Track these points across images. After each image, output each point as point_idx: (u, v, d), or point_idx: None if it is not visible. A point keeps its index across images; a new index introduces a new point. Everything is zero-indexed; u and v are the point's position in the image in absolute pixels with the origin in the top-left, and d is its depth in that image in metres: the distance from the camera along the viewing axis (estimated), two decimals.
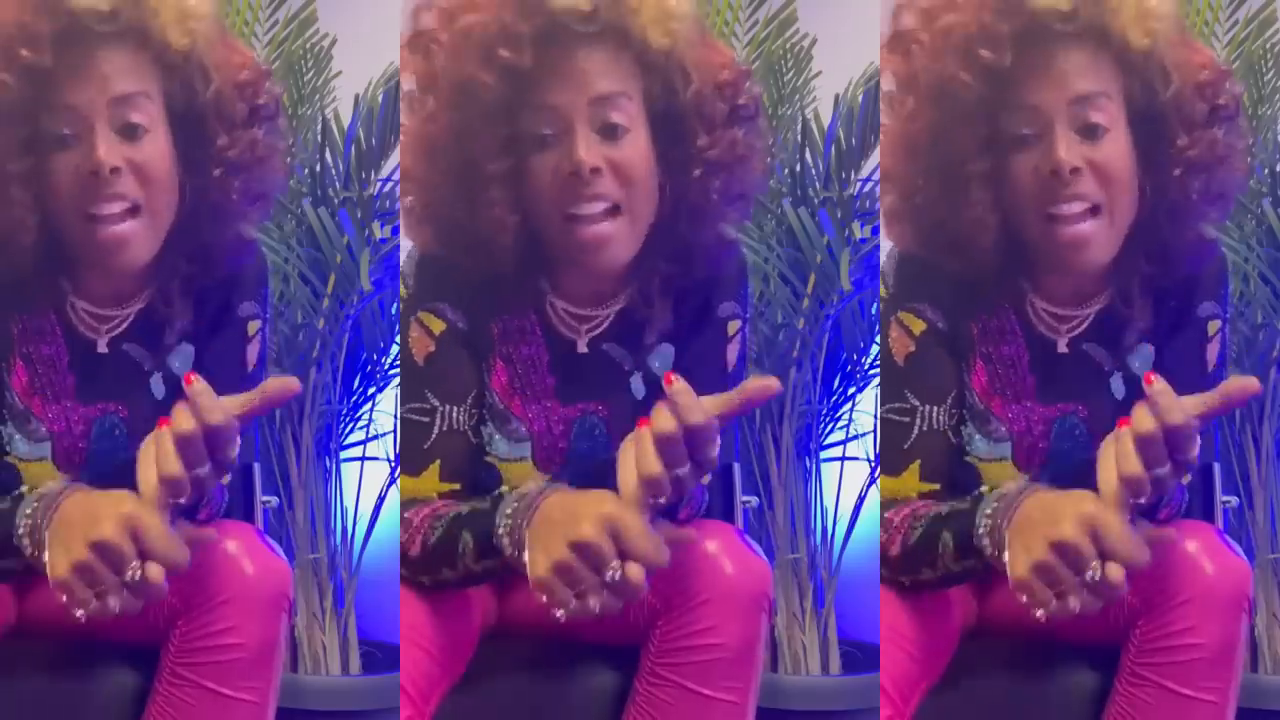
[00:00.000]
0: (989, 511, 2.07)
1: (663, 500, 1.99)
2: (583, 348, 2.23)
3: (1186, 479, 2.04)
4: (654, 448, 1.98)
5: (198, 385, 1.96)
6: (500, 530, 2.06)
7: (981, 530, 2.07)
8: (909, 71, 2.17)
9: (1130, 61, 2.13)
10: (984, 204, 2.15)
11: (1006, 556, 2.02)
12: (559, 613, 2.00)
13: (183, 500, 1.97)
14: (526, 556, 2.01)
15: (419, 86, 2.19)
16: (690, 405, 1.98)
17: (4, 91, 2.07)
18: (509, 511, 2.06)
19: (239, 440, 1.99)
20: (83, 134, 2.08)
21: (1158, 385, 1.98)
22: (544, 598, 2.00)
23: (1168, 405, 1.96)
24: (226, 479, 2.09)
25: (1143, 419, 1.97)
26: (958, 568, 2.13)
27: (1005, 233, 2.16)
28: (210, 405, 1.95)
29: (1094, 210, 2.13)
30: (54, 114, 2.08)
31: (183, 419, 1.95)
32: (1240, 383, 2.00)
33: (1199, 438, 1.99)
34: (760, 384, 2.05)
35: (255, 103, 2.17)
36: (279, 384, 2.01)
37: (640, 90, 2.15)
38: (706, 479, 2.04)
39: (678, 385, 1.99)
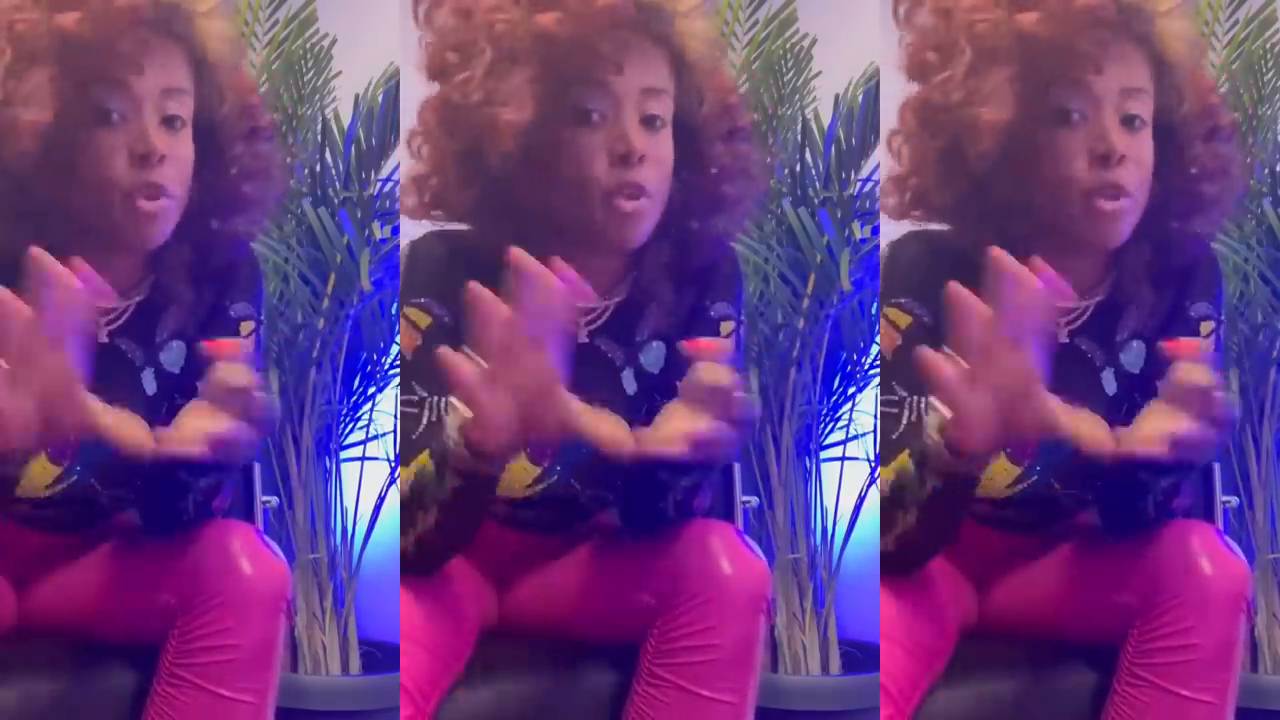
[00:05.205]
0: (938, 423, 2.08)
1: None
2: (583, 338, 2.24)
3: None
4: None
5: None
6: (452, 434, 2.06)
7: (933, 430, 2.08)
8: (994, 20, 2.20)
9: (1161, 71, 2.21)
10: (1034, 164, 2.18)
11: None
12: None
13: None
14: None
15: (487, 40, 2.20)
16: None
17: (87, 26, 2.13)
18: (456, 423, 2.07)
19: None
20: (129, 114, 2.14)
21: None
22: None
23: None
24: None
25: None
26: (923, 492, 2.12)
27: (1016, 210, 2.19)
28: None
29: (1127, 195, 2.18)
30: (105, 88, 2.13)
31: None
32: None
33: None
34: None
35: (257, 124, 2.25)
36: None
37: (672, 95, 2.21)
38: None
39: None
